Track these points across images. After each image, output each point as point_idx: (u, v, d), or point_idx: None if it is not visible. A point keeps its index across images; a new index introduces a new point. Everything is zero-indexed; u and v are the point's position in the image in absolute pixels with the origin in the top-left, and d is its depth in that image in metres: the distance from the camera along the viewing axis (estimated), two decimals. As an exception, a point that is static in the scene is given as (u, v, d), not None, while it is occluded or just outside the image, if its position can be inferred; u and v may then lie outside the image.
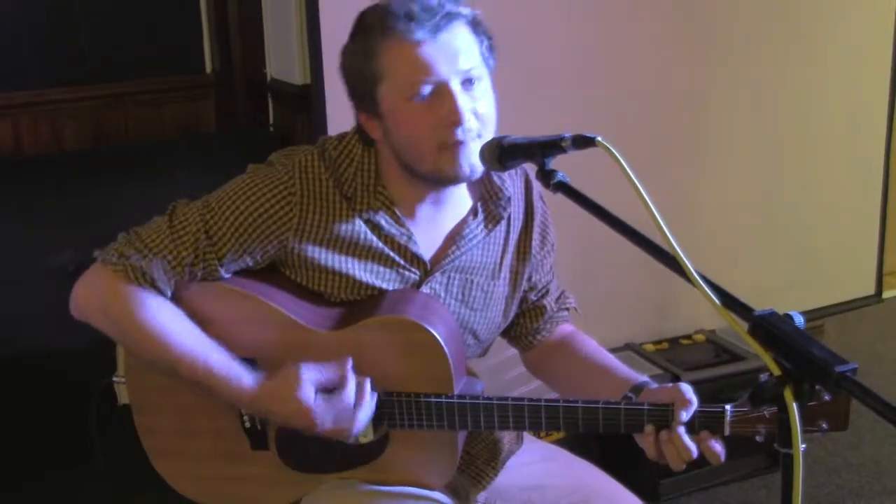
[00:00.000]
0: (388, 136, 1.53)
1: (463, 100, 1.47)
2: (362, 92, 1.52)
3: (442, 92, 1.46)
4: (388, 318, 1.54)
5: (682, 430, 1.46)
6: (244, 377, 1.50)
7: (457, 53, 1.46)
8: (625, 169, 1.22)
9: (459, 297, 1.66)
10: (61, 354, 2.70)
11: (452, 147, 1.47)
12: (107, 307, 1.53)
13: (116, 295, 1.51)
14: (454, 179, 1.52)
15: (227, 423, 1.61)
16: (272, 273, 1.61)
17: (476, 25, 1.51)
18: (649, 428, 1.49)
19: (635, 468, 2.08)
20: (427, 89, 1.46)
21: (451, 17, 1.46)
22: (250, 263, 1.57)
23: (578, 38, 2.98)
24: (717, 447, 1.48)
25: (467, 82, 1.48)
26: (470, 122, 1.47)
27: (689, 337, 3.31)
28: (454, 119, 1.46)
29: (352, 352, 1.53)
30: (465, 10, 1.50)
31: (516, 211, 1.71)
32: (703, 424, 1.48)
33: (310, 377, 1.48)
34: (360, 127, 1.57)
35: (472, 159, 1.48)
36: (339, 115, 2.66)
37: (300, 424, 1.49)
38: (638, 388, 1.57)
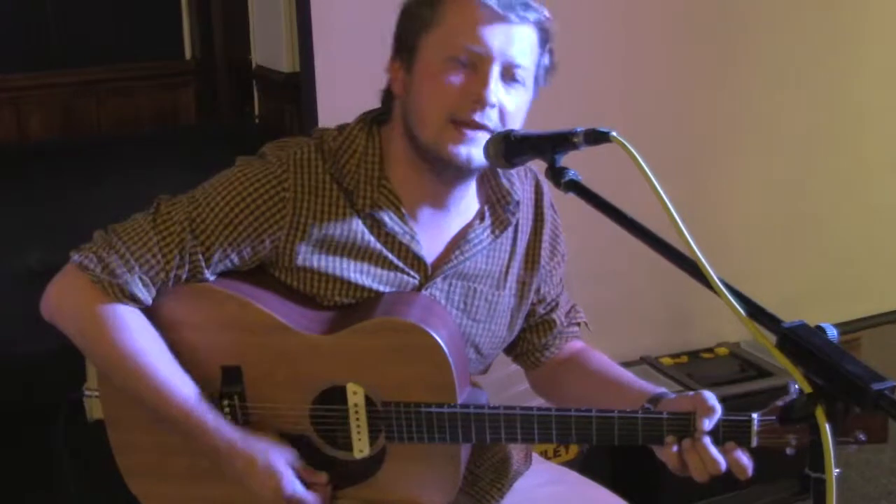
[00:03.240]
0: (409, 94, 1.55)
1: (496, 86, 1.50)
2: (408, 34, 1.56)
3: (480, 68, 1.50)
4: (386, 320, 1.55)
5: (707, 440, 1.46)
6: (221, 431, 1.55)
7: (513, 42, 1.51)
8: (641, 166, 1.22)
9: (461, 306, 1.67)
10: (24, 363, 2.71)
11: (461, 126, 1.50)
12: (83, 326, 1.56)
13: (94, 314, 1.53)
14: (449, 161, 1.53)
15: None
16: (259, 274, 1.61)
17: (545, 36, 1.56)
18: (670, 438, 1.49)
19: (653, 493, 2.09)
20: (468, 58, 1.50)
21: (528, 9, 1.51)
22: (238, 263, 1.58)
23: (592, 25, 2.98)
24: (744, 459, 1.47)
25: (509, 76, 1.52)
26: (492, 112, 1.50)
27: (710, 350, 3.30)
28: (479, 98, 1.49)
29: (345, 358, 1.55)
30: (544, 18, 1.55)
31: (525, 217, 1.73)
32: (727, 435, 1.48)
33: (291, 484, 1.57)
34: (388, 85, 1.61)
35: (473, 150, 1.51)
36: (331, 105, 2.69)
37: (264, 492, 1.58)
38: (655, 400, 1.58)
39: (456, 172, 1.56)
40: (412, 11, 1.57)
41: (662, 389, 1.61)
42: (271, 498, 1.57)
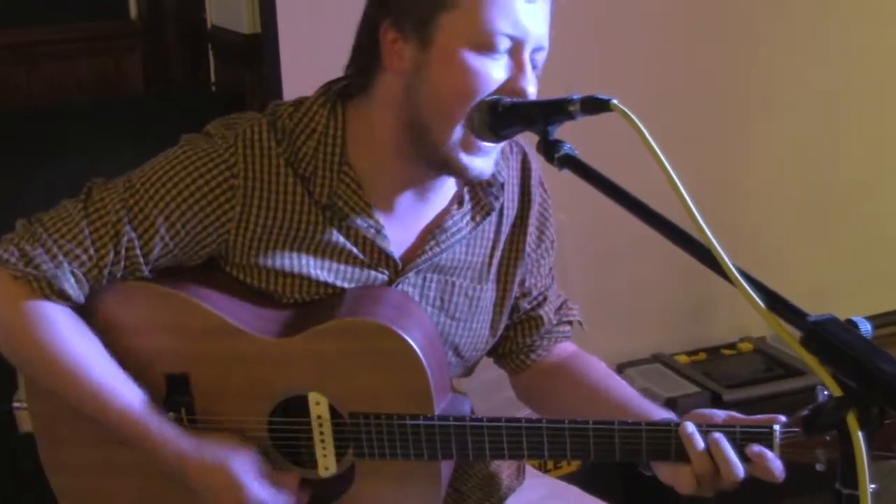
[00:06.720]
0: (419, 75, 1.50)
1: (532, 76, 1.49)
2: (420, 5, 1.48)
3: (516, 56, 1.48)
4: (352, 321, 1.54)
5: (722, 441, 1.45)
6: (171, 440, 1.54)
7: (540, 21, 1.49)
8: (646, 138, 1.22)
9: (438, 303, 1.67)
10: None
11: None
12: (4, 327, 1.54)
13: (17, 312, 1.52)
14: (454, 171, 1.54)
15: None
16: (208, 269, 1.61)
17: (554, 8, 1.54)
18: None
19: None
20: (505, 45, 1.47)
21: None
22: (182, 259, 1.57)
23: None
24: (772, 458, 1.45)
25: (532, 62, 1.50)
26: None
27: (732, 346, 3.32)
28: (519, 88, 1.47)
29: (307, 364, 1.54)
30: None
31: (510, 198, 1.71)
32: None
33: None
34: (369, 48, 1.54)
35: (486, 163, 1.52)
36: (296, 71, 2.69)
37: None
38: None
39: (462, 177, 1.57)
40: None
41: (670, 415, 1.60)
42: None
